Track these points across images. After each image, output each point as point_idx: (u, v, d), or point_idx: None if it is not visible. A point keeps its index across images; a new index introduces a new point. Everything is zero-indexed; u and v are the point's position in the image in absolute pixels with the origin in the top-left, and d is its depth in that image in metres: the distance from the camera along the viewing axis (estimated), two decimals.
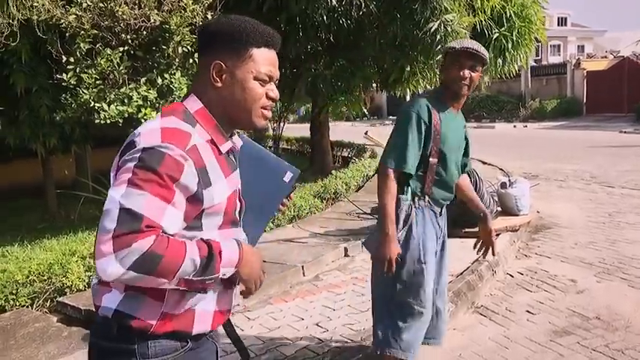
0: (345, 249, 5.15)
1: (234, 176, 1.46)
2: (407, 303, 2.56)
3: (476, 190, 5.18)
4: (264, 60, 1.41)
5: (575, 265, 5.05)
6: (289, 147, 16.47)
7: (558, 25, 54.00)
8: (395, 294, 2.57)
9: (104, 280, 1.29)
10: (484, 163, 11.47)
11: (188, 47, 5.92)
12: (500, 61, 9.56)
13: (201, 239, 1.32)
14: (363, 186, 8.25)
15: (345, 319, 3.68)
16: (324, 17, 6.73)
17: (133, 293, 1.32)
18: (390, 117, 33.50)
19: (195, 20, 5.79)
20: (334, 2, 6.61)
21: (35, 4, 5.68)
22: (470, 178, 5.21)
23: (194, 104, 1.41)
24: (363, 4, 6.39)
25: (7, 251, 5.70)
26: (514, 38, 9.06)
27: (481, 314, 4.05)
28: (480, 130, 23.54)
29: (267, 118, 1.47)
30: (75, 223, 7.18)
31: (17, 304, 3.89)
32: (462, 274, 4.42)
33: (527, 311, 4.05)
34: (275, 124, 15.86)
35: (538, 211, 7.26)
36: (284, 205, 1.74)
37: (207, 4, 5.92)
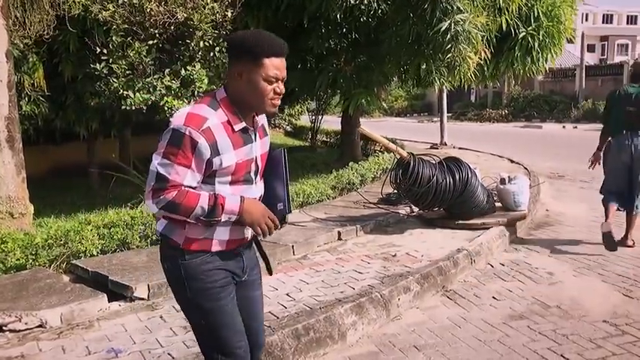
0: (339, 233, 5.52)
1: (247, 148, 2.02)
2: None
3: (467, 184, 5.45)
4: (272, 66, 1.95)
5: (560, 259, 5.22)
6: (327, 139, 16.90)
7: (628, 23, 51.80)
8: None
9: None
10: (512, 161, 11.52)
11: (209, 42, 6.42)
12: (528, 60, 9.63)
13: (214, 194, 1.95)
14: (379, 178, 8.54)
15: (314, 291, 4.06)
16: (341, 15, 7.06)
17: (169, 224, 2.03)
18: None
19: (215, 17, 6.28)
20: (351, 2, 6.92)
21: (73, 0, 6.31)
22: (461, 171, 5.47)
23: (221, 94, 2.01)
24: (375, 4, 6.69)
25: (43, 222, 6.41)
26: (541, 37, 9.10)
27: (448, 297, 4.34)
28: (526, 130, 23.24)
29: (275, 106, 2.03)
30: (110, 201, 7.83)
31: (37, 264, 4.48)
32: (437, 260, 4.70)
33: (493, 297, 4.31)
34: (313, 117, 16.37)
35: (547, 209, 7.39)
36: (276, 228, 2.12)
37: (228, 2, 6.40)
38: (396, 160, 5.72)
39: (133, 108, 6.07)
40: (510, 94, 30.57)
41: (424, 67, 7.52)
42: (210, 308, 2.03)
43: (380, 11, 7.25)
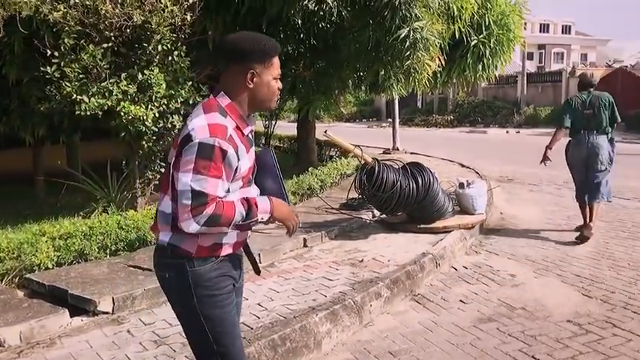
0: (304, 239, 5.49)
1: (252, 150, 2.08)
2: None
3: (429, 189, 5.52)
4: (277, 65, 2.04)
5: (519, 261, 5.36)
6: (281, 144, 16.82)
7: (562, 33, 54.19)
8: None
9: (155, 227, 2.06)
10: (463, 165, 11.81)
11: (167, 45, 6.24)
12: (479, 67, 9.88)
13: (245, 198, 1.95)
14: (339, 183, 8.58)
15: (285, 300, 4.00)
16: (301, 20, 7.05)
17: (178, 233, 1.96)
18: (389, 119, 33.76)
19: (174, 20, 6.12)
20: (310, 7, 6.93)
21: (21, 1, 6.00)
22: (423, 176, 5.55)
23: (224, 100, 1.99)
24: (336, 11, 6.72)
25: None
26: (492, 45, 9.37)
27: (417, 302, 4.37)
28: (472, 135, 23.92)
29: (276, 102, 2.13)
30: (59, 210, 7.49)
31: None
32: (404, 264, 4.73)
33: (461, 300, 4.38)
34: (267, 122, 16.25)
35: (501, 212, 7.59)
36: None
37: (187, 5, 6.26)
38: (360, 165, 5.72)
39: (88, 113, 5.83)
40: (455, 100, 31.38)
41: (382, 73, 7.59)
42: (215, 316, 2.03)
43: (339, 18, 7.27)
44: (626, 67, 27.82)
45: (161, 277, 2.08)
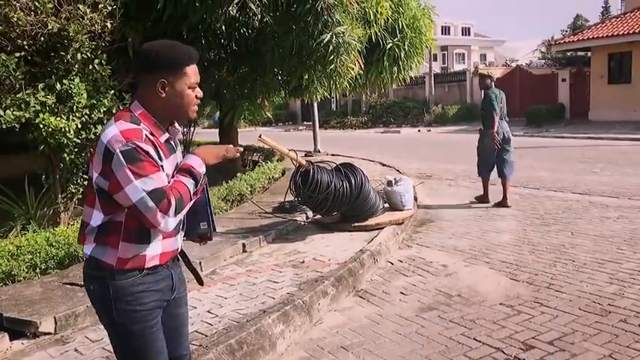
0: (244, 245, 5.50)
1: (172, 158, 2.02)
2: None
3: (361, 188, 5.71)
4: (192, 73, 2.00)
5: (449, 252, 5.68)
6: None
7: (463, 34, 57.14)
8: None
9: (82, 240, 2.00)
10: (383, 165, 12.22)
11: (87, 54, 6.03)
12: (395, 69, 10.27)
13: (178, 171, 1.98)
14: (268, 188, 8.62)
15: (235, 305, 4.02)
16: (224, 26, 7.04)
17: (99, 245, 1.96)
18: (305, 122, 34.14)
19: (93, 28, 5.92)
20: (233, 12, 6.94)
21: None
22: (356, 176, 5.72)
23: (137, 109, 1.97)
24: (260, 16, 6.78)
25: None
26: (406, 48, 9.78)
27: (360, 297, 4.53)
28: (386, 135, 24.71)
29: (196, 111, 2.07)
30: None
31: None
32: (345, 262, 4.88)
33: (401, 292, 4.59)
34: (185, 129, 15.94)
35: (426, 207, 7.96)
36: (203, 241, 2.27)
37: (107, 12, 6.07)
38: (295, 168, 5.81)
39: (4, 127, 5.51)
40: (368, 102, 32.25)
41: (306, 77, 7.73)
42: (136, 331, 1.99)
43: (261, 23, 7.32)
44: (522, 65, 29.91)
45: (87, 290, 2.05)
